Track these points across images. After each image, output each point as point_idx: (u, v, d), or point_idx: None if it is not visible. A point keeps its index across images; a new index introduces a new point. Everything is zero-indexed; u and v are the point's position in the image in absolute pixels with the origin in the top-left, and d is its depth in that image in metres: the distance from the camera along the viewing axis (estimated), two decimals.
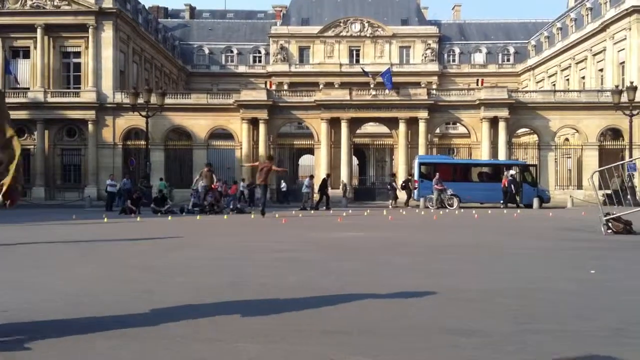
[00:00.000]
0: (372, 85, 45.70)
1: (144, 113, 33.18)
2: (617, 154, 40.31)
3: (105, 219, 19.24)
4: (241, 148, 43.87)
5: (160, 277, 6.81)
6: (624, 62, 47.57)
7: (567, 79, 58.73)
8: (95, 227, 16.40)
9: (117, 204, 29.26)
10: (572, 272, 7.36)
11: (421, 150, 42.06)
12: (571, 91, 48.29)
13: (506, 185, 32.35)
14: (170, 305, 5.02)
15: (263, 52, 70.69)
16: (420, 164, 34.72)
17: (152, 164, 37.69)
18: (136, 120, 38.76)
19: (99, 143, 44.79)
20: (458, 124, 49.73)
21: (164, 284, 6.35)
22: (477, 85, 51.24)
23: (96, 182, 43.95)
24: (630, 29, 46.20)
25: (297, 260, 8.48)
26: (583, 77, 55.38)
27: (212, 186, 25.46)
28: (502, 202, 32.10)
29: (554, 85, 60.28)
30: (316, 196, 30.77)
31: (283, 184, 40.76)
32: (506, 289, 5.98)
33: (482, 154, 42.73)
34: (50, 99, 45.22)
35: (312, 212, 26.68)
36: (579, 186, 42.72)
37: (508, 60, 70.98)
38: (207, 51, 70.96)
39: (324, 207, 28.91)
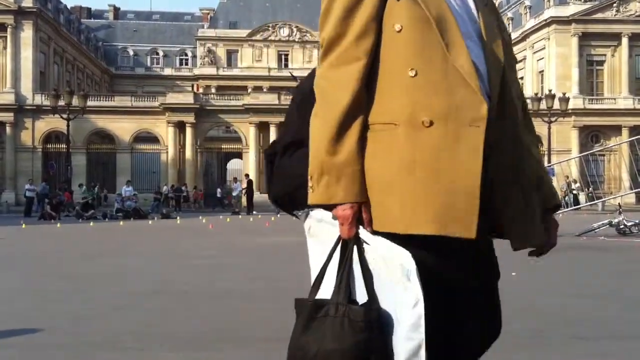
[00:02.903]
0: None
1: (65, 115, 32.03)
2: None
3: (24, 225, 18.53)
4: (167, 152, 43.05)
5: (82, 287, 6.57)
6: (543, 71, 49.35)
7: None
8: (13, 233, 15.73)
9: (37, 210, 28.32)
10: None
11: None
12: None
13: None
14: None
15: (190, 54, 69.73)
16: None
17: (74, 168, 36.48)
18: (57, 123, 37.33)
19: (17, 146, 42.99)
20: None
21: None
22: None
23: (14, 186, 42.16)
24: (549, 38, 47.99)
25: (223, 266, 8.35)
26: None
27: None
28: None
29: None
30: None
31: (219, 190, 39.86)
32: None
33: None
34: None
35: (240, 217, 26.46)
36: None
37: None
38: (131, 53, 69.42)
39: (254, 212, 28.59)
